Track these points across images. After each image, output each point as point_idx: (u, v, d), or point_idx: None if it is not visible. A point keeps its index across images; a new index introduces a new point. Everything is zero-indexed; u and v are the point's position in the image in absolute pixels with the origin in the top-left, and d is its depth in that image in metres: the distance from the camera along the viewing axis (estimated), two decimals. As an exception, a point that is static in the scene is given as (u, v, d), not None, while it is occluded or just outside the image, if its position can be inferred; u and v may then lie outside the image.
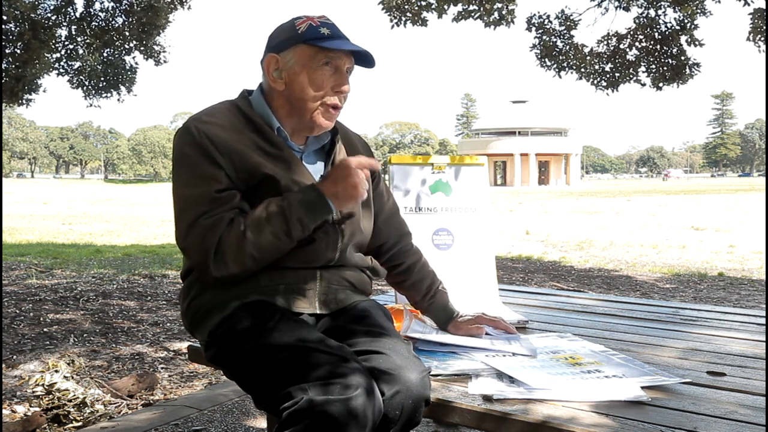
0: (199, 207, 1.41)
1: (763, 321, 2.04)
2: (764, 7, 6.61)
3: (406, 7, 7.14)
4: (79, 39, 8.22)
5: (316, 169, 1.55)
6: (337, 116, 1.53)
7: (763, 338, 1.81)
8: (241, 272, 1.41)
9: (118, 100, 9.09)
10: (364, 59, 1.51)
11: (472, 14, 7.14)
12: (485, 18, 7.11)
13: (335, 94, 1.48)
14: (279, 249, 1.42)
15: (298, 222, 1.39)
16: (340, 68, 1.48)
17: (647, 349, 1.68)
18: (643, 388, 1.33)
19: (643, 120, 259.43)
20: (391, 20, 7.24)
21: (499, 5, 7.06)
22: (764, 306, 5.16)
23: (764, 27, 6.61)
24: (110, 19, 8.06)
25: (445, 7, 7.15)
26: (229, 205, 1.42)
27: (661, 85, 7.53)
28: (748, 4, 6.67)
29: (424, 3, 7.20)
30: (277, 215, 1.39)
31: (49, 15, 7.74)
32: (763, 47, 6.79)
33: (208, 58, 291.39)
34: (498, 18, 7.13)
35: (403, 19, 7.21)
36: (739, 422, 1.18)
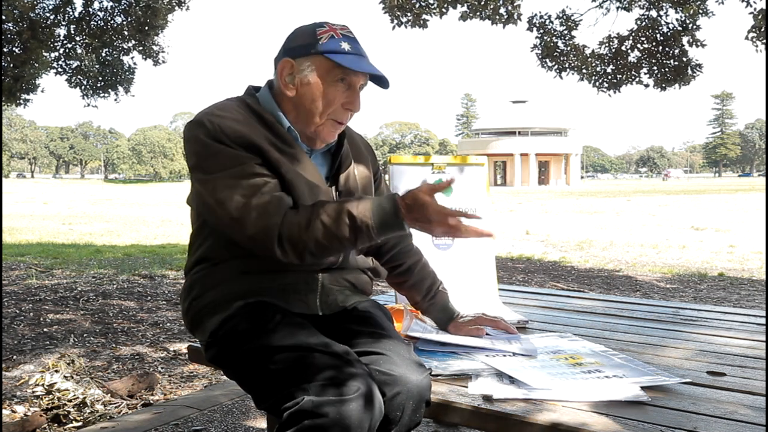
0: (247, 180, 1.35)
1: (763, 321, 2.04)
2: (764, 7, 6.61)
3: (407, 6, 7.14)
4: (77, 38, 8.23)
5: (321, 171, 1.53)
6: (341, 131, 1.51)
7: (763, 338, 1.81)
8: (299, 263, 1.38)
9: (116, 100, 9.11)
10: (379, 80, 1.48)
11: (478, 13, 7.14)
12: (494, 18, 7.10)
13: (344, 110, 1.46)
14: (339, 251, 1.40)
15: (366, 229, 1.31)
16: (354, 86, 1.45)
17: (647, 349, 1.68)
18: (643, 388, 1.33)
19: (643, 120, 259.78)
20: (392, 20, 7.24)
21: (501, 2, 7.06)
22: (764, 306, 5.16)
23: (764, 27, 6.62)
24: (109, 19, 8.06)
25: (446, 8, 7.15)
26: (279, 186, 1.38)
27: (663, 86, 7.54)
28: (750, 5, 6.67)
29: (424, 3, 7.20)
30: (348, 220, 1.31)
31: (47, 14, 7.74)
32: (761, 47, 6.80)
33: (207, 58, 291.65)
34: (507, 18, 7.13)
35: (404, 20, 7.22)
36: (739, 422, 1.18)
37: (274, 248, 1.34)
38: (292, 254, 1.35)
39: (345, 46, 1.43)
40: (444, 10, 7.20)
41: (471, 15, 7.19)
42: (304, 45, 1.44)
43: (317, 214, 1.34)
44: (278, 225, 1.34)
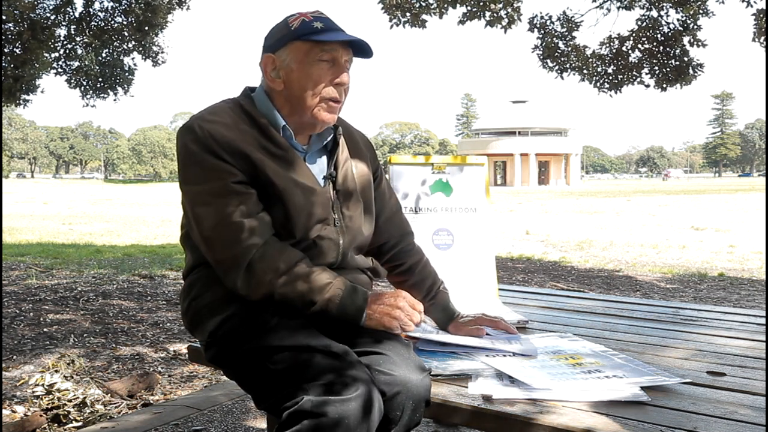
0: (223, 200, 1.38)
1: (763, 321, 2.04)
2: (765, 7, 6.62)
3: (406, 6, 7.14)
4: (78, 39, 8.23)
5: (318, 169, 1.53)
6: (339, 110, 1.50)
7: (763, 338, 1.81)
8: (254, 300, 1.40)
9: (114, 100, 9.14)
10: (361, 49, 1.48)
11: (477, 16, 7.13)
12: (494, 23, 7.10)
13: (335, 87, 1.45)
14: (296, 309, 1.41)
15: (324, 307, 1.39)
16: (338, 61, 1.45)
17: (647, 349, 1.68)
18: (643, 388, 1.33)
19: (643, 120, 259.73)
20: (391, 20, 7.24)
21: (501, 5, 7.06)
22: (764, 306, 5.16)
23: (765, 27, 6.62)
24: (110, 19, 8.07)
25: (445, 8, 7.15)
26: (258, 206, 1.40)
27: (664, 86, 7.54)
28: (751, 6, 6.67)
29: (423, 4, 7.20)
30: (316, 289, 1.38)
31: (48, 15, 7.74)
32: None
33: (207, 58, 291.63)
34: (508, 21, 7.13)
35: (402, 20, 7.22)
36: (739, 422, 1.18)
37: (238, 279, 1.38)
38: (255, 292, 1.39)
39: (317, 25, 1.43)
40: (443, 10, 7.19)
41: (469, 18, 7.19)
42: (280, 37, 1.45)
43: (298, 268, 1.38)
44: (247, 257, 1.37)
